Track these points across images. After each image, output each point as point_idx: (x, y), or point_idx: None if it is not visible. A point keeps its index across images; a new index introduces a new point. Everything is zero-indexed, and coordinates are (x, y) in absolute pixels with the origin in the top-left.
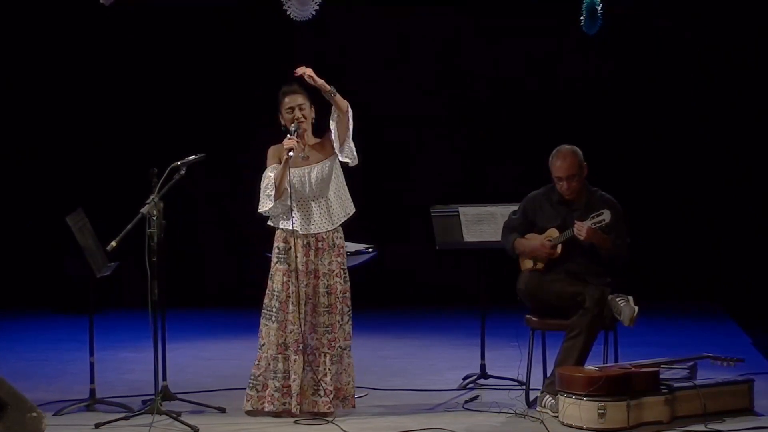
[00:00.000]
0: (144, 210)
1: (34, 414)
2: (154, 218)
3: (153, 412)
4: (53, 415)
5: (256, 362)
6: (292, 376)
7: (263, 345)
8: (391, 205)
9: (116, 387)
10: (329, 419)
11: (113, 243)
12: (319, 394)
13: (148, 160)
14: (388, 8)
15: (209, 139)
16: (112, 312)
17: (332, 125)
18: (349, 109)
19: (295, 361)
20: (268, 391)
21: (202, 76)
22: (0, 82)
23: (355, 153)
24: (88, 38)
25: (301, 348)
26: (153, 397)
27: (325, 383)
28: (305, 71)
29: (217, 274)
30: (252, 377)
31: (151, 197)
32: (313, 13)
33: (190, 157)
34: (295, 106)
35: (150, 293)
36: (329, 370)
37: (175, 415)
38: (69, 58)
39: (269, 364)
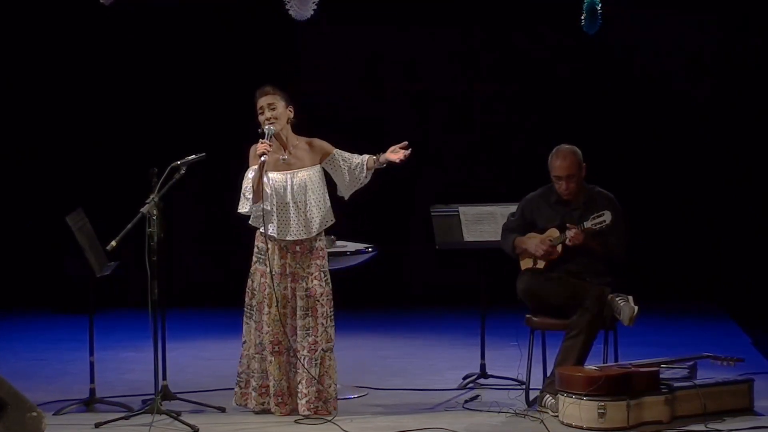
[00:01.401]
0: (144, 209)
1: (34, 414)
2: (154, 218)
3: (153, 412)
4: (53, 414)
5: (240, 359)
6: (269, 377)
7: (245, 342)
8: (391, 205)
9: (116, 387)
10: (329, 418)
11: (113, 243)
12: (298, 396)
13: (148, 160)
14: (390, 7)
15: (209, 138)
16: (112, 312)
17: (344, 170)
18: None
19: (270, 362)
20: (249, 388)
21: (202, 76)
22: (0, 82)
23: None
24: (88, 38)
25: (276, 350)
26: (153, 396)
27: (302, 386)
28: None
29: (217, 274)
30: (237, 374)
31: (151, 197)
32: (312, 12)
33: (190, 157)
34: (265, 106)
35: (150, 293)
36: (305, 374)
37: (175, 415)
38: (69, 58)
39: (249, 363)
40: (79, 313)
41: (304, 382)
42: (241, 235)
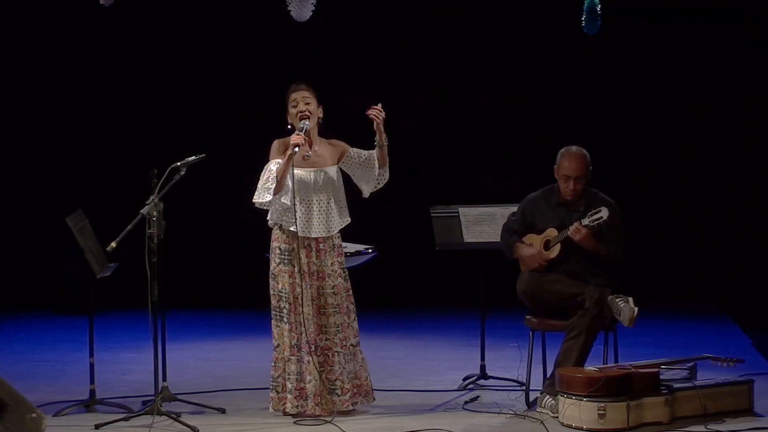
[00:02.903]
0: (144, 211)
1: (34, 415)
2: (154, 219)
3: (153, 413)
4: (53, 416)
5: (273, 363)
6: (308, 378)
7: (278, 346)
8: (392, 205)
9: (116, 388)
10: (329, 419)
11: (113, 244)
12: (337, 393)
13: (148, 161)
14: (392, 8)
15: (210, 139)
16: (112, 313)
17: (358, 165)
18: (387, 168)
19: (309, 362)
20: (285, 392)
21: (202, 76)
22: (0, 83)
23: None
24: (88, 38)
25: (313, 349)
26: (153, 397)
27: (342, 382)
28: (379, 114)
29: (217, 275)
30: (272, 379)
31: (151, 198)
32: (311, 13)
33: (189, 158)
34: (300, 99)
35: (150, 294)
36: (344, 368)
37: (175, 416)
38: (69, 57)
39: (285, 366)
40: (79, 314)
41: (344, 378)
42: (241, 235)
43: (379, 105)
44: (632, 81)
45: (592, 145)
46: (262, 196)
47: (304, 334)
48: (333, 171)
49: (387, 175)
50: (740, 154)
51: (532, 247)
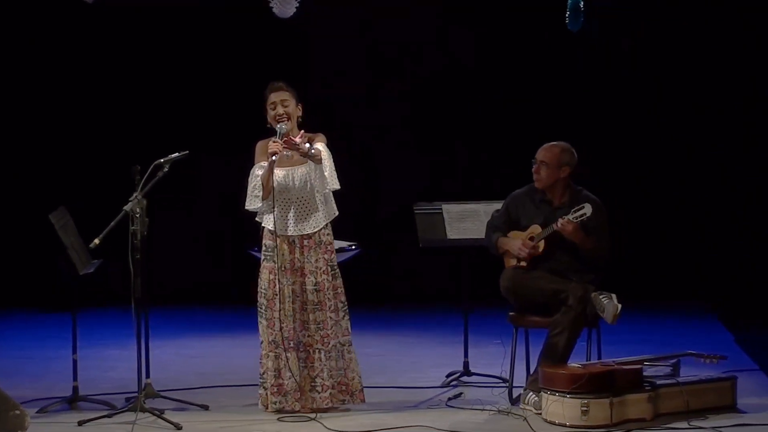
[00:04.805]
0: (127, 207)
1: (17, 412)
2: (138, 216)
3: (136, 410)
4: (36, 412)
5: (260, 360)
6: (287, 374)
7: (262, 342)
8: (375, 202)
9: (99, 384)
10: (312, 416)
11: (96, 240)
12: (317, 391)
13: (131, 158)
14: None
15: (197, 136)
16: (95, 309)
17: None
18: (323, 153)
19: (288, 359)
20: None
21: (186, 74)
22: None
23: (331, 183)
24: (73, 36)
25: (292, 345)
26: (136, 394)
27: (322, 379)
28: (280, 145)
29: (201, 272)
30: (260, 375)
31: (135, 194)
32: (294, 10)
33: (173, 155)
34: (278, 101)
35: (133, 291)
36: (325, 366)
37: (158, 413)
38: (54, 56)
39: (264, 362)
40: (62, 311)
41: (324, 375)
42: (225, 233)
43: (282, 141)
44: (632, 81)
45: (593, 145)
46: (253, 202)
47: (280, 331)
48: (311, 167)
49: (324, 173)
50: (740, 154)
51: (517, 239)
